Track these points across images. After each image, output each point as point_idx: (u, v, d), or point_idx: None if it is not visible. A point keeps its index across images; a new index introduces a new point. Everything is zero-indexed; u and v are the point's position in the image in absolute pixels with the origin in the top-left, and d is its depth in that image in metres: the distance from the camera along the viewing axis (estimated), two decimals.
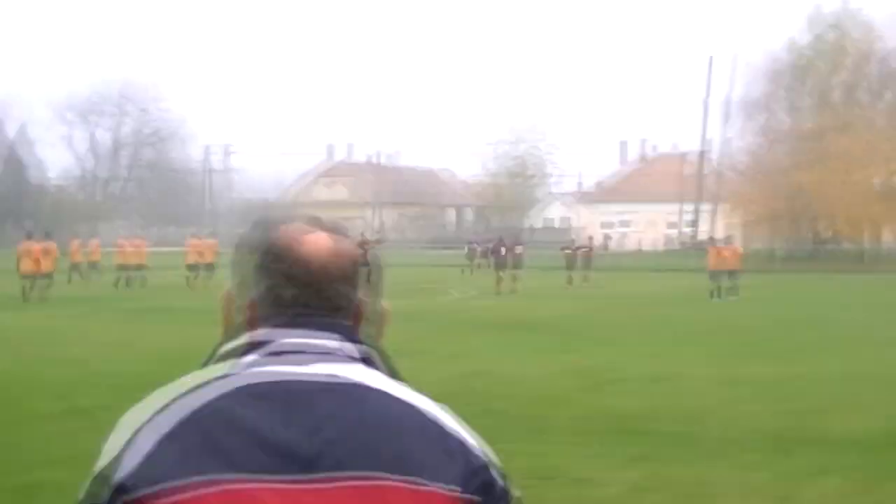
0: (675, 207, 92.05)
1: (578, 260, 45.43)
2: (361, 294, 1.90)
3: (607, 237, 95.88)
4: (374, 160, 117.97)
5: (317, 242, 1.82)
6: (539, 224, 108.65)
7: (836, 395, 13.88)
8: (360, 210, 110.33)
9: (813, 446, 10.44)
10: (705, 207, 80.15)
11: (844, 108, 71.39)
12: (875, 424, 11.61)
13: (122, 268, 40.76)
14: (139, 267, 40.99)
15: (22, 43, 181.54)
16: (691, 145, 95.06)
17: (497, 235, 47.15)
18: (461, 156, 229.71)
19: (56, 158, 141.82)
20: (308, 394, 1.70)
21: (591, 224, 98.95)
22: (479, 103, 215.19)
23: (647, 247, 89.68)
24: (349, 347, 1.80)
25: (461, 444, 1.74)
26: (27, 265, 32.97)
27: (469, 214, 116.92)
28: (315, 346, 1.77)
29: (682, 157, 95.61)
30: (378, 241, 43.16)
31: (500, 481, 1.77)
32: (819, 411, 12.57)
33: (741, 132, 77.10)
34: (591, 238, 52.38)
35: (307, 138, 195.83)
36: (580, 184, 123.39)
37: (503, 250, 40.78)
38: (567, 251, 46.29)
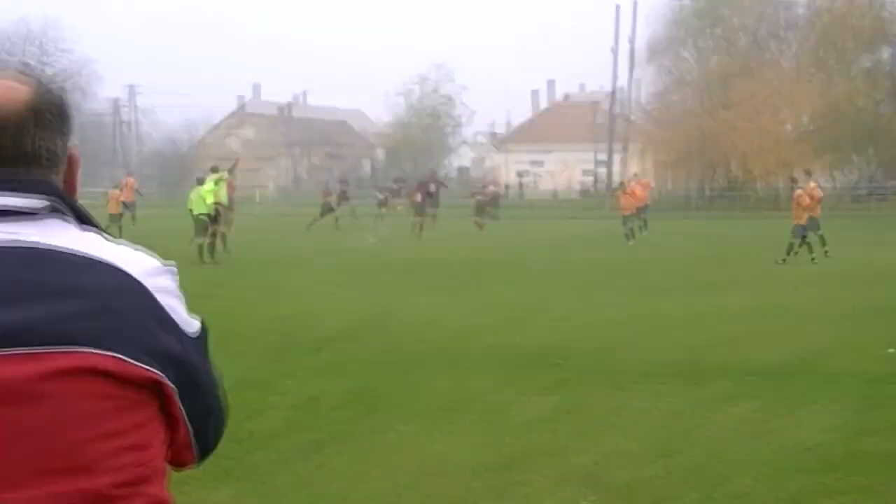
0: (589, 154, 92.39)
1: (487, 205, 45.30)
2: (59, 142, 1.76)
3: (521, 183, 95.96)
4: (285, 107, 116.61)
5: None
6: (453, 171, 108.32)
7: (746, 327, 13.95)
8: (273, 157, 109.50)
9: (724, 375, 10.43)
10: (617, 151, 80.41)
11: (751, 52, 71.83)
12: (784, 354, 11.68)
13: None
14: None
15: None
16: (599, 90, 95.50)
17: (420, 177, 46.98)
18: (369, 99, 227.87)
19: None
20: None
21: (505, 169, 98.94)
22: (385, 46, 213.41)
23: (562, 191, 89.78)
24: (36, 202, 1.67)
25: (168, 319, 1.70)
26: None
27: (381, 159, 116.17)
28: None
29: (594, 102, 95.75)
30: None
31: (190, 332, 1.76)
32: (729, 343, 12.61)
33: (650, 76, 77.39)
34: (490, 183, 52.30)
35: (213, 85, 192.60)
36: (493, 129, 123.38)
37: (430, 188, 40.76)
38: (478, 196, 46.15)
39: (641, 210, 35.25)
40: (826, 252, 25.15)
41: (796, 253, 24.56)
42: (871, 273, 21.52)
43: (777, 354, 11.67)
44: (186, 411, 1.76)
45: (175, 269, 1.79)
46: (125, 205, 39.49)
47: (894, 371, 10.59)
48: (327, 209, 42.98)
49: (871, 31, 69.59)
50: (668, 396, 9.50)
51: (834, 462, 7.33)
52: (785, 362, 11.19)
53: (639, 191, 35.80)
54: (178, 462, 1.85)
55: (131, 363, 1.63)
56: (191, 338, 1.76)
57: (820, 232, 25.52)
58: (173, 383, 1.70)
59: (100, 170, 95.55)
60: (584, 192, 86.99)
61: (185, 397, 1.74)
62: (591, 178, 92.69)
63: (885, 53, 71.85)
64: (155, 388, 1.68)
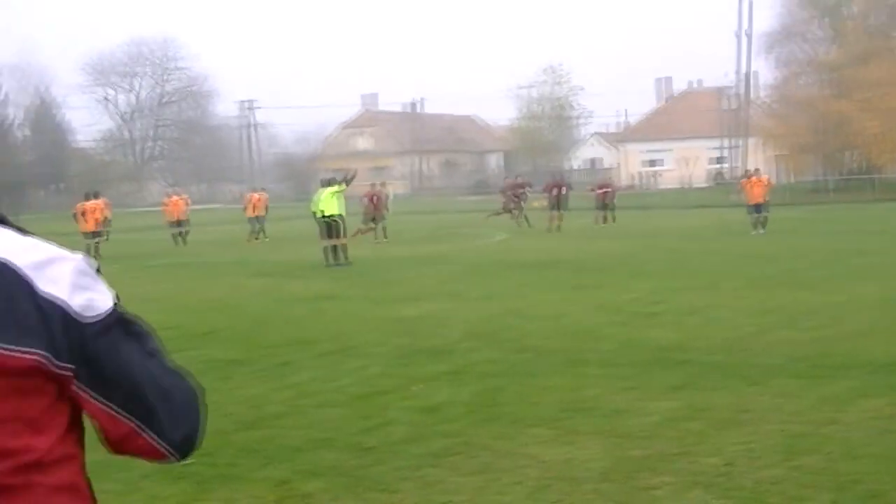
0: (716, 142, 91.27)
1: (608, 199, 44.93)
2: None
3: (650, 175, 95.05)
4: (408, 109, 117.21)
5: None
6: (577, 165, 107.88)
7: (873, 320, 13.63)
8: (398, 158, 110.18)
9: (852, 370, 10.23)
10: (743, 142, 79.23)
11: (874, 36, 69.97)
12: None
13: (173, 224, 40.93)
14: (181, 223, 40.98)
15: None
16: (716, 80, 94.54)
17: (552, 176, 46.97)
18: (488, 101, 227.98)
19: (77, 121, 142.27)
20: None
21: (633, 163, 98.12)
22: (503, 48, 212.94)
23: (689, 183, 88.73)
24: None
25: (50, 305, 1.73)
26: (90, 224, 33.78)
27: (505, 159, 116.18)
28: None
29: (719, 90, 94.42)
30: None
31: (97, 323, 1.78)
32: (857, 336, 12.34)
33: (775, 63, 76.04)
34: (611, 179, 51.91)
35: (332, 92, 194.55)
36: (618, 122, 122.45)
37: (558, 190, 40.86)
38: (596, 191, 45.86)
39: (762, 207, 34.48)
40: None
41: None
42: None
43: None
44: (105, 396, 1.80)
45: (79, 259, 1.82)
46: (257, 219, 40.38)
47: None
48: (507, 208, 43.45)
49: None
50: (796, 392, 9.35)
51: None
52: None
53: (758, 187, 35.00)
54: (135, 451, 1.88)
55: (5, 351, 1.68)
56: (89, 323, 1.77)
57: None
58: (71, 369, 1.75)
59: (220, 185, 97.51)
60: (714, 184, 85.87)
61: (94, 381, 1.78)
62: (717, 167, 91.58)
63: None
64: (44, 374, 1.72)
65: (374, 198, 36.69)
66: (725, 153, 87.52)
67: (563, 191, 41.22)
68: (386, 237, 35.42)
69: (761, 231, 33.25)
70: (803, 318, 14.03)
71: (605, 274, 21.49)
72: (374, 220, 36.09)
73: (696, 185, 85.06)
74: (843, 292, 16.75)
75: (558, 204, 40.34)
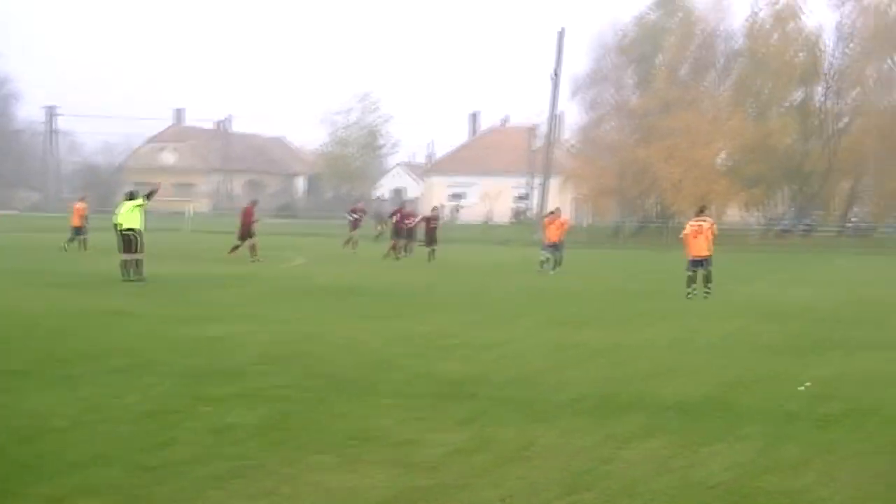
0: (522, 180, 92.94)
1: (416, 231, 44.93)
2: None
3: (454, 208, 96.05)
4: (218, 127, 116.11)
5: None
6: (382, 194, 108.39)
7: (662, 361, 14.10)
8: (205, 175, 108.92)
9: (638, 410, 10.54)
10: (546, 181, 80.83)
11: (679, 88, 72.20)
12: (697, 389, 11.80)
13: None
14: None
15: None
16: (528, 118, 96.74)
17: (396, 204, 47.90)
18: (302, 125, 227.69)
19: None
20: None
21: (437, 195, 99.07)
22: (321, 75, 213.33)
23: (495, 219, 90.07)
24: None
25: None
26: None
27: (309, 183, 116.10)
28: None
29: (529, 129, 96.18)
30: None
31: None
32: (646, 377, 12.72)
33: (585, 106, 77.80)
34: (434, 208, 52.27)
35: (143, 105, 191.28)
36: (415, 159, 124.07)
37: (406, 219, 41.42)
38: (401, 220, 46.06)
39: (556, 247, 34.69)
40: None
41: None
42: (789, 308, 21.91)
43: (692, 389, 11.78)
44: None
45: None
46: (77, 229, 39.58)
47: (805, 407, 10.78)
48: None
49: (804, 67, 70.80)
50: (581, 430, 9.57)
51: (734, 500, 7.46)
52: (699, 397, 11.31)
53: (554, 227, 35.16)
54: None
55: None
56: None
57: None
58: None
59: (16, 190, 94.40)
60: (517, 218, 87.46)
61: None
62: (520, 205, 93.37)
63: (817, 90, 72.97)
64: None
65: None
66: (530, 191, 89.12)
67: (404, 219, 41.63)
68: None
69: (551, 271, 33.47)
70: (596, 357, 14.39)
71: (405, 304, 21.62)
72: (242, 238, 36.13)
73: (497, 221, 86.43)
74: (636, 333, 17.28)
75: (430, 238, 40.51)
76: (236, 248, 36.02)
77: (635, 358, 14.37)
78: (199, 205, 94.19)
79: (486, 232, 72.04)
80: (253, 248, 35.67)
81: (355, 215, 47.01)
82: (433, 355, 14.30)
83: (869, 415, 10.51)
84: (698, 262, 25.14)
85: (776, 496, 7.59)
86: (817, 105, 72.29)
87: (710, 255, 25.27)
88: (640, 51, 74.20)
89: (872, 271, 37.18)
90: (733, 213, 74.17)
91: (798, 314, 20.77)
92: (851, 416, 10.40)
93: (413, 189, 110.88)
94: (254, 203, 38.94)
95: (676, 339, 16.59)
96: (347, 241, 44.98)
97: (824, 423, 10.10)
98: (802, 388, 11.99)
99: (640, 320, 19.49)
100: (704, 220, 26.05)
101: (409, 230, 41.69)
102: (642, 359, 14.29)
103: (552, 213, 38.05)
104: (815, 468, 8.35)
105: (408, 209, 46.35)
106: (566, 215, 40.32)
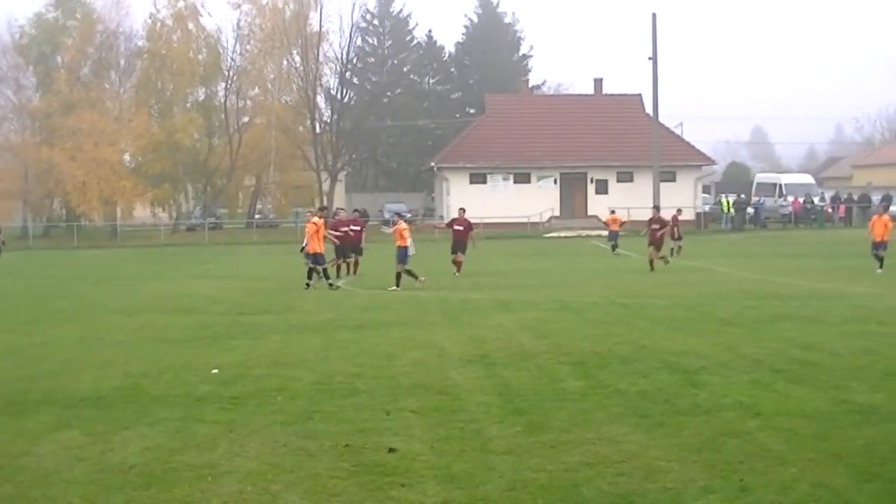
0: None
1: None
2: None
3: None
4: None
5: None
6: None
7: (72, 358, 14.25)
8: None
9: (50, 405, 10.72)
10: None
11: (83, 87, 70.99)
12: (108, 382, 12.12)
13: None
14: None
15: None
16: None
17: None
18: None
19: None
20: None
21: None
22: None
23: None
24: None
25: None
26: None
27: None
28: None
29: None
30: None
31: None
32: (56, 374, 12.87)
33: None
34: None
35: None
36: None
37: None
38: None
39: None
40: None
41: None
42: (196, 302, 22.59)
43: (103, 382, 12.07)
44: None
45: None
46: None
47: (215, 391, 11.38)
48: None
49: (206, 66, 72.19)
50: None
51: (152, 478, 7.84)
52: (110, 389, 11.61)
53: None
54: None
55: None
56: None
57: None
58: None
59: None
60: None
61: None
62: None
63: (220, 88, 74.56)
64: None
65: None
66: None
67: None
68: None
69: None
70: (4, 359, 14.25)
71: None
72: None
73: None
74: (44, 333, 17.30)
75: None
76: None
77: (45, 356, 14.46)
78: None
79: None
80: None
81: None
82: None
83: (274, 392, 11.23)
84: None
85: (187, 472, 8.03)
86: (220, 102, 73.89)
87: None
88: (39, 50, 72.24)
89: (278, 264, 38.46)
90: (141, 212, 74.47)
91: (205, 307, 21.42)
92: (258, 395, 11.08)
93: None
94: None
95: (85, 337, 16.73)
96: None
97: (233, 403, 10.70)
98: (215, 371, 12.59)
99: (49, 321, 19.45)
100: None
101: None
102: (53, 357, 14.40)
103: None
104: (224, 444, 8.90)
105: None
106: None
